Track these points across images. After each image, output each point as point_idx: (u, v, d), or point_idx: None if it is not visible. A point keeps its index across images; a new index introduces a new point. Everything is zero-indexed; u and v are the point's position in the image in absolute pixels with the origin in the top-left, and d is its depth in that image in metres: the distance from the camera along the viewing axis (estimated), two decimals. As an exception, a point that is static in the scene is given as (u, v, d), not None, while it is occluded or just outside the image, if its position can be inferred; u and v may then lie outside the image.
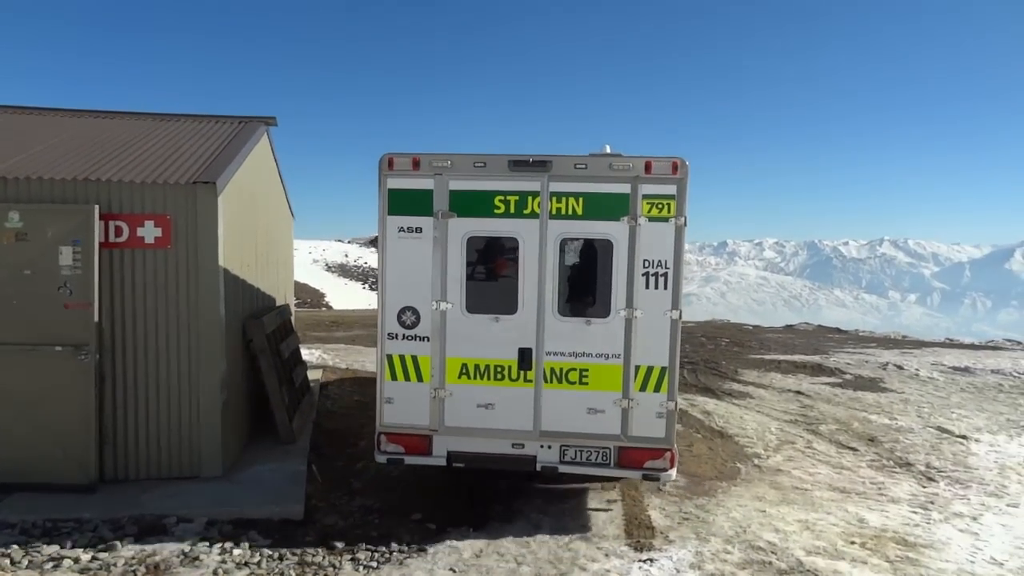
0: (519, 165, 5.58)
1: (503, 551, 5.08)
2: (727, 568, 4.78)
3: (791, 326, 25.25)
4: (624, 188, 5.53)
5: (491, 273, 5.84)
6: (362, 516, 5.77)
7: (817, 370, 13.35)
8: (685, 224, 5.46)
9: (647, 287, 5.50)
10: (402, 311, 5.72)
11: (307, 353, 12.11)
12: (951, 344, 19.76)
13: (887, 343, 19.19)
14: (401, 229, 5.69)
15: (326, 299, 47.70)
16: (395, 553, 5.04)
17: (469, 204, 5.65)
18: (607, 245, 5.58)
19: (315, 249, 68.55)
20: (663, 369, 5.50)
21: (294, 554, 4.95)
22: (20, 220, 5.71)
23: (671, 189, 5.46)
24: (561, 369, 5.63)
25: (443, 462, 5.71)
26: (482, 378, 5.70)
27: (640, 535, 5.38)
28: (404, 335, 5.72)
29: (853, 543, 5.25)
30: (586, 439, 5.60)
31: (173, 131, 8.08)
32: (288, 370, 8.15)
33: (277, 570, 4.71)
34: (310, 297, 43.20)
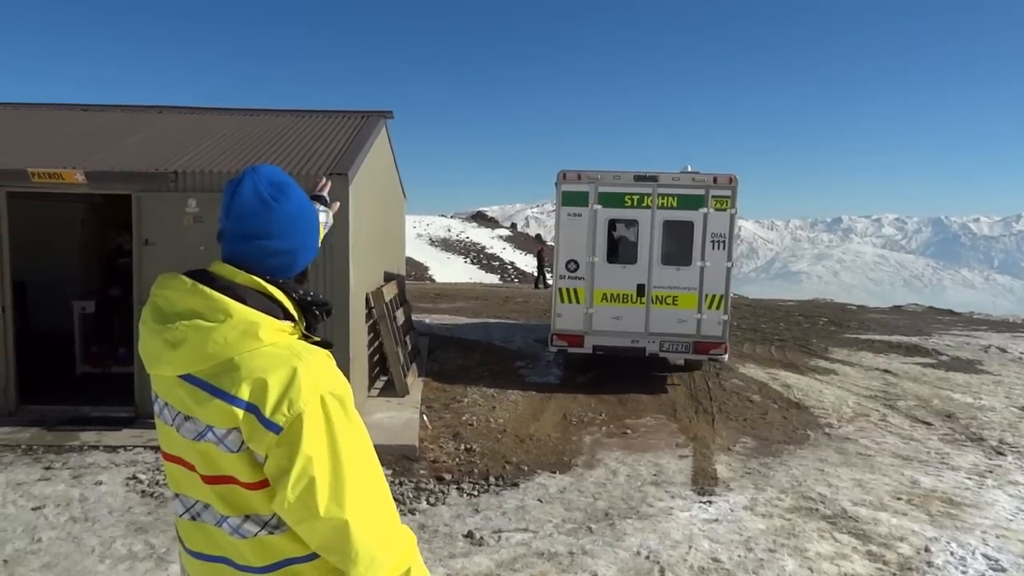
0: (639, 178, 9.33)
1: (583, 489, 5.99)
2: (776, 511, 5.48)
3: (899, 307, 24.42)
4: (701, 192, 9.27)
5: (622, 240, 9.56)
6: (466, 458, 6.83)
7: (912, 350, 13.26)
8: (736, 213, 9.25)
9: (713, 249, 9.27)
10: (568, 262, 9.50)
11: (416, 322, 13.37)
12: (1075, 329, 18.68)
13: (1000, 326, 18.38)
14: (569, 214, 9.44)
15: (429, 272, 49.94)
16: (492, 486, 6.06)
17: (610, 200, 9.39)
18: (690, 225, 9.33)
19: (419, 223, 71.27)
20: (722, 296, 9.33)
21: (411, 481, 6.07)
22: (197, 206, 7.08)
23: (728, 192, 9.22)
24: (662, 296, 9.45)
25: (591, 351, 9.56)
26: (615, 301, 9.49)
27: (704, 483, 6.15)
28: (569, 276, 9.51)
29: (899, 499, 5.78)
30: (676, 337, 9.39)
31: (308, 126, 9.37)
32: (402, 334, 9.35)
33: (398, 492, 5.82)
34: (414, 270, 45.40)
